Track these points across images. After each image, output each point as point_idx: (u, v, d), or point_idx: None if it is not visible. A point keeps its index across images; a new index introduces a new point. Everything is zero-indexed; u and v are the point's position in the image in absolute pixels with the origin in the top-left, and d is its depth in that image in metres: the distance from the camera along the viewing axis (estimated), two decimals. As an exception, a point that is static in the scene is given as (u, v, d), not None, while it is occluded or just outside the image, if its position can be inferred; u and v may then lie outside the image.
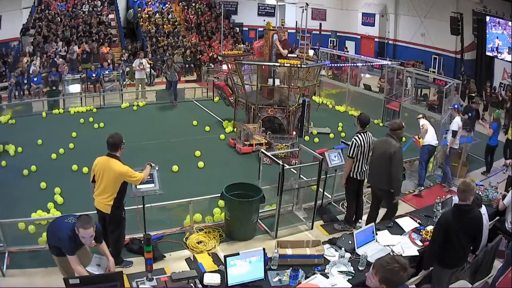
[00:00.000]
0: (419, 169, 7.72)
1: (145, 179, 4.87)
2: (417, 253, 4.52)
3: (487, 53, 15.93)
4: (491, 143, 8.63)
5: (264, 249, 3.90)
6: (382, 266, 2.55)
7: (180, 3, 21.53)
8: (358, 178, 5.88)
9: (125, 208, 5.44)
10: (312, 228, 6.18)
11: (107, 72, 14.22)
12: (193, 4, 21.74)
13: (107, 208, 4.60)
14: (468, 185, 4.04)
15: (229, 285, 3.72)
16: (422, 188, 7.66)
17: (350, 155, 5.71)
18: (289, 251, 4.25)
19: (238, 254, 3.77)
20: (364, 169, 5.88)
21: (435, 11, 17.94)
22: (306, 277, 3.94)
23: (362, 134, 5.72)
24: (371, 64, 15.21)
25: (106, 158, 4.55)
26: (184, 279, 3.75)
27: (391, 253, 4.47)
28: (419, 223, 5.08)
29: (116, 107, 12.48)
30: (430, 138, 7.63)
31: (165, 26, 19.70)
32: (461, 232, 4.02)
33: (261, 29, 19.87)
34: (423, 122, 7.93)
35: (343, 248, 4.40)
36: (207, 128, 10.63)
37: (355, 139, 5.69)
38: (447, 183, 7.85)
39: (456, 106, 8.28)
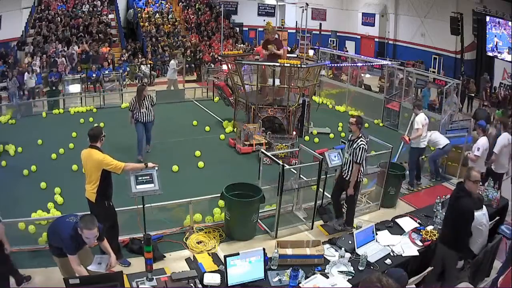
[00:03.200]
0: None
1: (130, 170, 4.95)
2: (417, 253, 4.52)
3: (487, 53, 15.93)
4: None
5: (264, 249, 3.90)
6: (366, 282, 2.54)
7: (180, 3, 21.54)
8: (362, 180, 5.87)
9: (125, 208, 5.47)
10: (312, 228, 6.17)
11: (107, 72, 14.22)
12: (193, 4, 21.75)
13: (92, 196, 4.79)
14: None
15: (229, 285, 3.72)
16: (412, 188, 7.64)
17: (360, 161, 5.55)
18: (289, 251, 4.25)
19: (238, 254, 3.77)
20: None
21: (435, 11, 17.96)
22: (306, 277, 3.94)
23: (364, 137, 5.65)
24: (371, 64, 15.23)
25: (88, 149, 4.88)
26: (184, 279, 3.75)
27: (392, 253, 4.49)
28: (419, 223, 5.09)
29: (116, 107, 12.47)
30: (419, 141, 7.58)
31: (165, 26, 19.71)
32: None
33: (261, 29, 19.91)
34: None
35: (343, 248, 4.40)
36: (207, 128, 10.62)
37: (363, 143, 5.55)
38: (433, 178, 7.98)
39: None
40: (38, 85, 13.01)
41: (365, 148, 5.57)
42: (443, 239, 4.53)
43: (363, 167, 5.74)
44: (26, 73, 12.68)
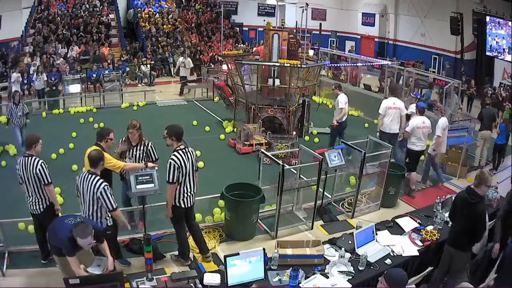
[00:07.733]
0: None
1: (129, 169, 4.98)
2: (417, 253, 4.52)
3: (487, 53, 15.93)
4: (497, 141, 8.72)
5: (264, 249, 3.90)
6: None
7: (181, 4, 21.53)
8: (184, 205, 4.88)
9: (125, 208, 5.46)
10: (312, 228, 6.17)
11: (107, 72, 14.22)
12: (193, 4, 21.73)
13: None
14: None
15: (229, 285, 3.72)
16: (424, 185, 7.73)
17: (171, 180, 4.70)
18: (289, 251, 4.25)
19: (238, 254, 3.77)
20: (192, 193, 4.94)
21: (435, 11, 17.95)
22: (306, 277, 3.94)
23: (180, 151, 4.81)
24: (371, 64, 15.22)
25: (92, 147, 4.92)
26: (184, 279, 3.76)
27: (392, 253, 4.48)
28: (419, 223, 5.09)
29: (116, 107, 12.48)
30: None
31: (165, 26, 19.70)
32: None
33: (261, 29, 19.92)
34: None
35: (343, 248, 4.40)
36: (207, 128, 10.62)
37: (172, 159, 4.68)
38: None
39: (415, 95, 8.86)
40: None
41: (175, 166, 4.67)
42: (457, 245, 4.33)
43: (185, 187, 4.83)
44: (35, 74, 12.59)
